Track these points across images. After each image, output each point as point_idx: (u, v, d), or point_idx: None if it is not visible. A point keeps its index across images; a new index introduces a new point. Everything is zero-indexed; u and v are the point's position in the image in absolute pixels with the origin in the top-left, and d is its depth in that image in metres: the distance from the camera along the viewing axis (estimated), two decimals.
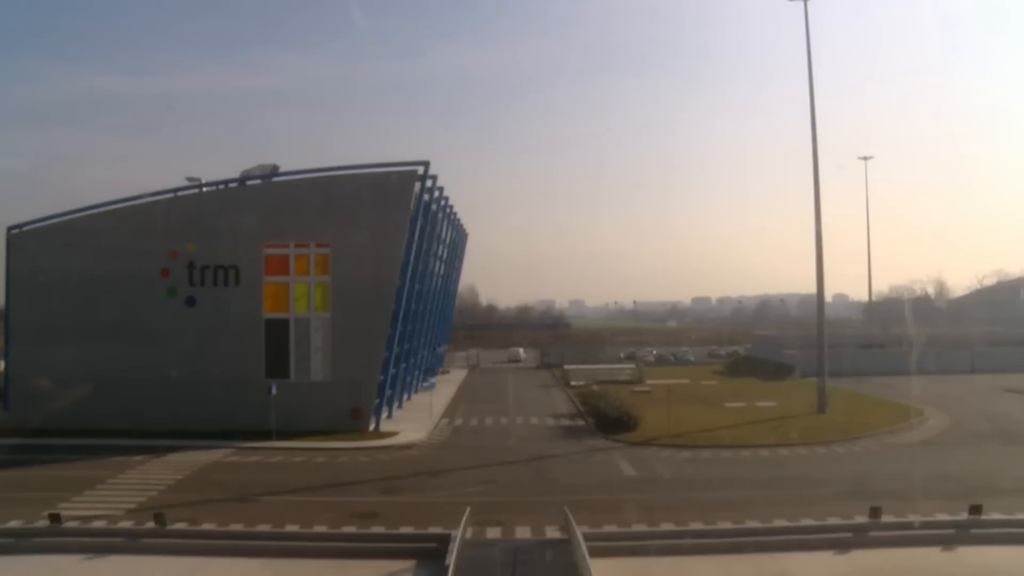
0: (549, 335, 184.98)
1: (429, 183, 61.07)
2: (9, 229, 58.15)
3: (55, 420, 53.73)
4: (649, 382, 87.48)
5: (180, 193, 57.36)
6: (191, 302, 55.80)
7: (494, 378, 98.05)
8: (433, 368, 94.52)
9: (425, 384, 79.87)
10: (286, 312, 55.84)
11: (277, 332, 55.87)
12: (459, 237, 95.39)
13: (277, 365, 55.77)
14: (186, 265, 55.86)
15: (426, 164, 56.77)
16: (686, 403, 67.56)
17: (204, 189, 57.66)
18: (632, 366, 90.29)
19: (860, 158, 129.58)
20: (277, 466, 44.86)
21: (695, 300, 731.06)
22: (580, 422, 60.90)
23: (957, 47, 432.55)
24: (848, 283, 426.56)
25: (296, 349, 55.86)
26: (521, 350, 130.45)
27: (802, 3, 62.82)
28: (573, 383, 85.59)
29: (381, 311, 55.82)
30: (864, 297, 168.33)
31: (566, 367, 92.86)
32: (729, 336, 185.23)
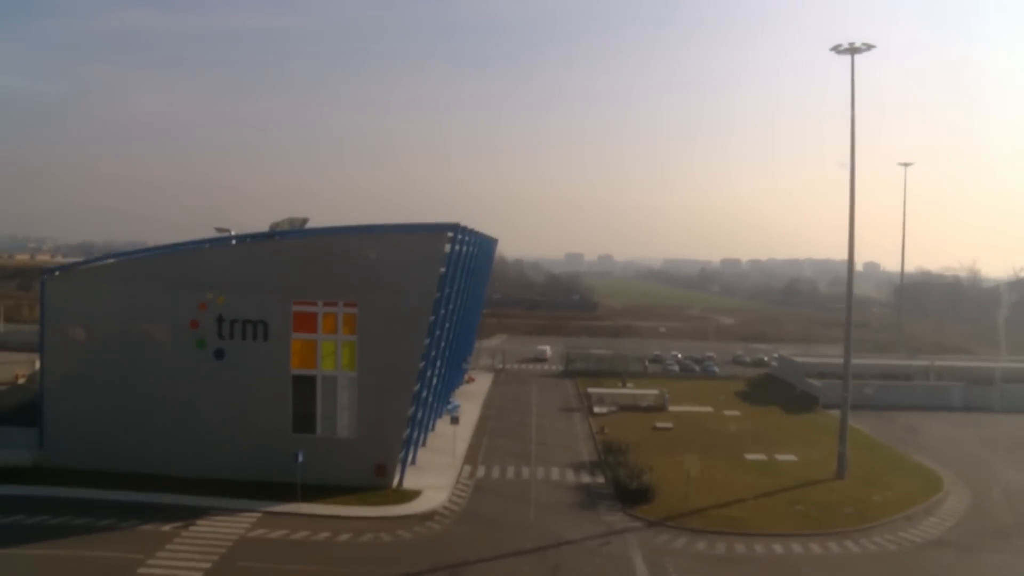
0: (576, 319, 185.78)
1: (460, 235, 61.18)
2: (43, 272, 59.24)
3: (89, 459, 55.71)
4: (672, 408, 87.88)
5: (210, 245, 58.11)
6: (220, 355, 56.69)
7: (518, 393, 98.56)
8: (458, 380, 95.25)
9: (449, 408, 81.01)
10: (313, 369, 56.68)
11: (304, 388, 56.79)
12: (488, 252, 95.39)
13: (304, 420, 56.85)
14: (215, 318, 56.60)
15: (456, 227, 56.93)
16: (706, 451, 68.23)
17: (234, 242, 58.17)
18: (655, 392, 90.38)
19: (900, 164, 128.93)
20: (300, 549, 45.73)
21: (724, 262, 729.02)
22: (600, 480, 61.38)
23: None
24: (880, 254, 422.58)
25: (323, 405, 56.81)
26: (548, 348, 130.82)
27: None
28: (596, 410, 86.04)
29: (408, 370, 56.55)
30: (895, 267, 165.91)
31: (590, 391, 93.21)
32: (756, 327, 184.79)
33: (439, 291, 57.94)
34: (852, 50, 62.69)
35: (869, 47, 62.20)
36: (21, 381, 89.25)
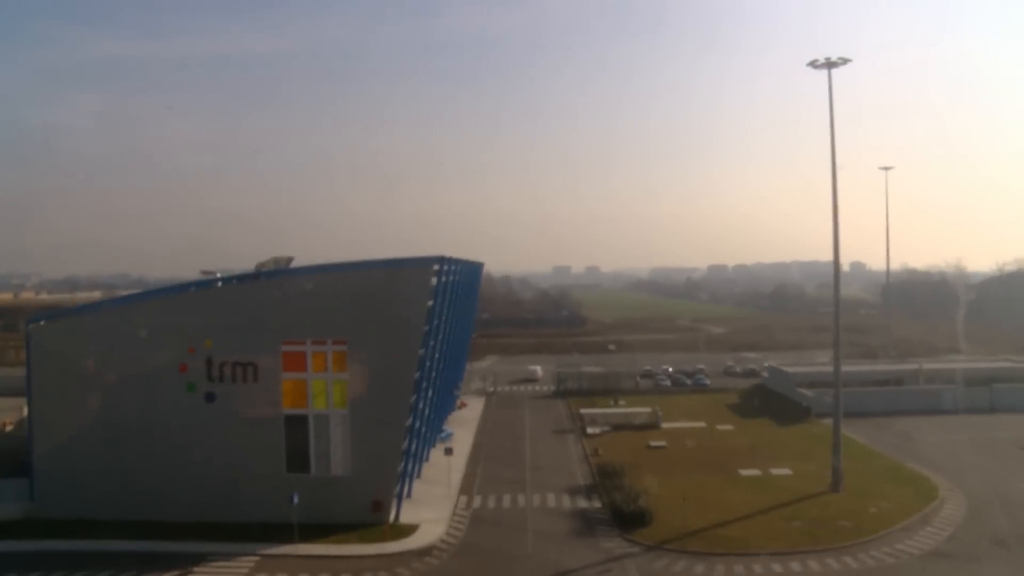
0: (566, 336, 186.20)
1: (446, 267, 61.29)
2: (28, 323, 59.02)
3: (81, 509, 55.33)
4: (665, 425, 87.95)
5: (195, 289, 58.10)
6: (210, 397, 56.51)
7: (511, 417, 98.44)
8: (450, 407, 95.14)
9: (443, 436, 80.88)
10: (305, 408, 56.60)
11: (297, 427, 56.65)
12: (474, 277, 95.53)
13: (298, 459, 56.69)
14: (204, 360, 56.40)
15: (442, 259, 57.09)
16: (701, 469, 68.61)
17: (220, 284, 58.10)
18: (648, 409, 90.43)
19: (881, 168, 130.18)
20: None
21: (711, 268, 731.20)
22: (597, 504, 61.31)
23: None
24: (866, 254, 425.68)
25: (316, 444, 56.68)
26: (538, 368, 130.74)
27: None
28: (590, 430, 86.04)
29: (400, 404, 56.47)
30: (881, 265, 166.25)
31: (582, 411, 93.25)
32: (746, 335, 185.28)
33: (427, 324, 57.95)
34: (829, 64, 63.38)
35: (845, 61, 62.95)
36: (8, 428, 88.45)
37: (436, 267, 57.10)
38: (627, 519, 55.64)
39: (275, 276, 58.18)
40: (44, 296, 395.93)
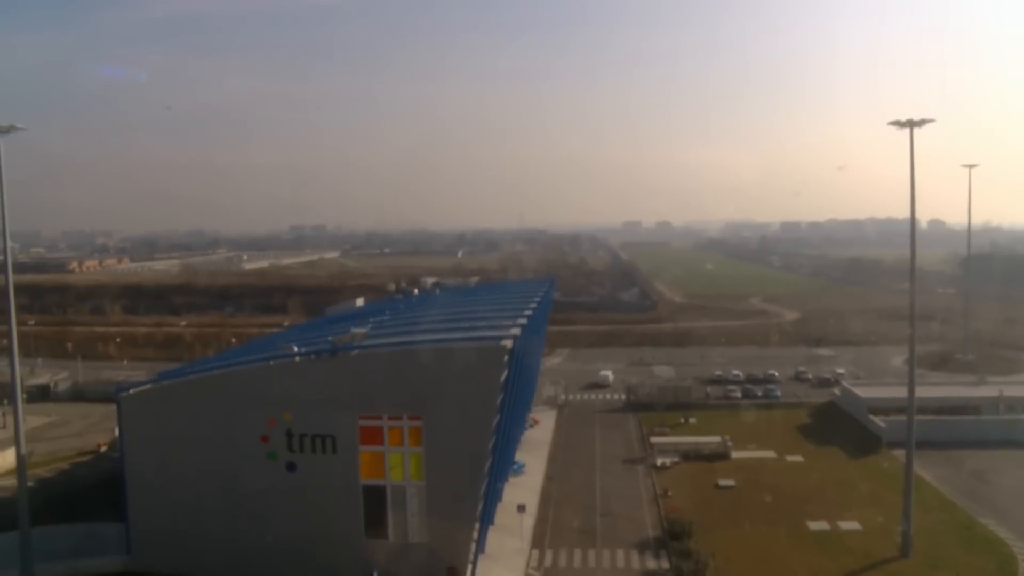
0: (635, 324, 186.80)
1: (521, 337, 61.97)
2: (118, 391, 61.87)
3: (174, 565, 58.73)
4: (735, 455, 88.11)
5: (274, 362, 60.18)
6: (291, 467, 58.62)
7: (581, 439, 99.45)
8: (522, 430, 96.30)
9: (515, 468, 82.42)
10: (382, 479, 58.33)
11: (374, 497, 58.44)
12: (547, 302, 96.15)
13: (375, 526, 58.61)
14: (285, 432, 58.42)
15: (515, 339, 57.91)
16: (769, 517, 69.73)
17: (298, 358, 59.86)
18: (717, 439, 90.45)
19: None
20: None
21: (784, 225, 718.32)
22: (665, 565, 62.26)
23: None
24: (946, 208, 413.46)
25: (393, 512, 58.45)
26: (609, 374, 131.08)
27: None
28: (659, 462, 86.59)
29: (475, 474, 57.78)
30: (962, 220, 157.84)
31: (652, 440, 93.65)
32: (818, 323, 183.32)
33: (503, 393, 58.89)
34: (911, 123, 61.94)
35: (926, 122, 61.42)
36: (103, 449, 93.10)
37: (509, 344, 57.85)
38: None
39: (350, 350, 59.61)
40: (126, 263, 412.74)
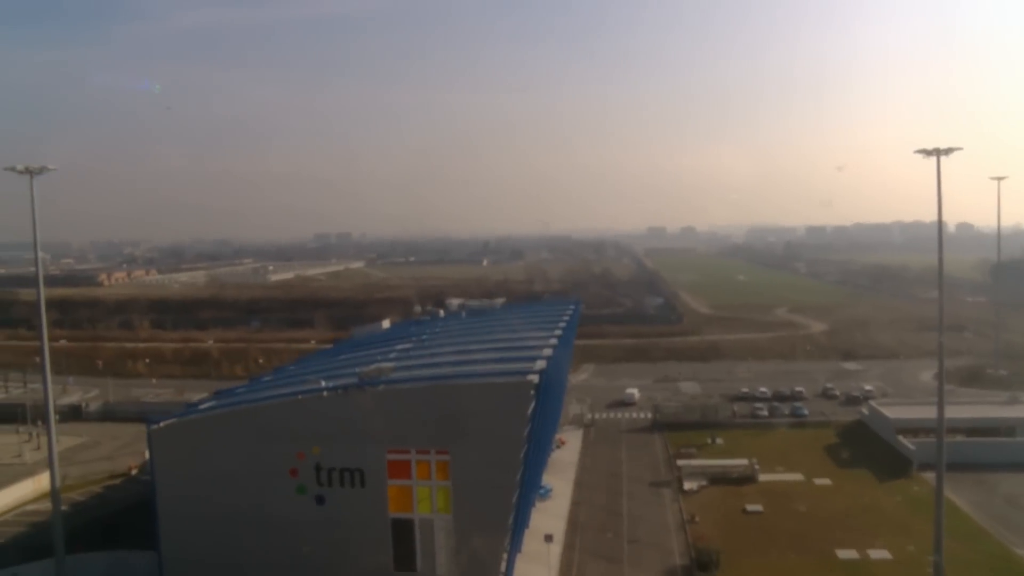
0: (661, 337, 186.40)
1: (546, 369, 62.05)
2: (149, 424, 62.55)
3: None
4: (762, 478, 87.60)
5: (303, 396, 60.65)
6: (320, 500, 58.99)
7: (608, 461, 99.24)
8: (548, 451, 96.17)
9: (541, 493, 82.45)
10: (411, 513, 58.54)
11: (403, 530, 58.69)
12: (573, 323, 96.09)
13: (404, 559, 58.84)
14: (313, 466, 58.82)
15: (542, 372, 58.04)
16: (797, 545, 69.37)
17: (325, 393, 60.29)
18: (744, 462, 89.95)
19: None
20: None
21: (809, 230, 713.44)
22: None
23: None
24: (974, 211, 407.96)
25: (422, 546, 58.61)
26: (635, 392, 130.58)
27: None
28: (686, 486, 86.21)
29: (504, 506, 57.92)
30: (992, 223, 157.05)
31: (679, 463, 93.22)
32: (845, 336, 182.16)
33: (529, 424, 58.96)
34: (938, 152, 61.55)
35: (953, 150, 61.00)
36: (134, 472, 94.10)
37: (535, 379, 57.94)
38: None
39: (377, 384, 59.93)
40: (154, 275, 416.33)
